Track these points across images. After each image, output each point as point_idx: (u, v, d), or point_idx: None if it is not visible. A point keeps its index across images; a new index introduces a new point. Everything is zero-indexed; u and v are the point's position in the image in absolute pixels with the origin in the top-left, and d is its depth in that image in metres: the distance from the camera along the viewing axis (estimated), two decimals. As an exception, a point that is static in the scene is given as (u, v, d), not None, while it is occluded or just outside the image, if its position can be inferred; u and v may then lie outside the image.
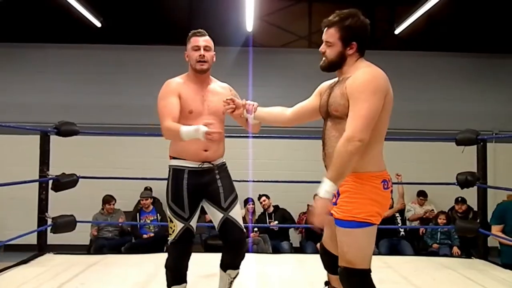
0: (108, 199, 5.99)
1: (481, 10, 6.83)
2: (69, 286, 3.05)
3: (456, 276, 3.38)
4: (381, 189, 1.86)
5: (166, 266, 2.40)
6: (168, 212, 2.36)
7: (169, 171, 2.38)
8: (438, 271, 3.51)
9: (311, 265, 3.59)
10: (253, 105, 2.30)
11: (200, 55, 2.33)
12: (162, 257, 3.95)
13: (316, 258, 3.89)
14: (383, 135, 1.92)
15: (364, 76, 1.83)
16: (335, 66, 1.95)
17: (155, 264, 3.60)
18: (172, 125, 2.22)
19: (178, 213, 2.32)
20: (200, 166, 2.33)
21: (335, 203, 1.90)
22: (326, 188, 1.76)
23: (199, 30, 2.42)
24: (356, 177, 1.86)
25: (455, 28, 7.14)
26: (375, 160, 1.89)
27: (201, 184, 2.34)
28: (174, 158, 2.37)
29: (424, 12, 5.82)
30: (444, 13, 6.54)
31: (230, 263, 2.43)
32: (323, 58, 1.96)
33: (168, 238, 2.37)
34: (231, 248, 2.40)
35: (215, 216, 2.39)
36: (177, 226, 2.32)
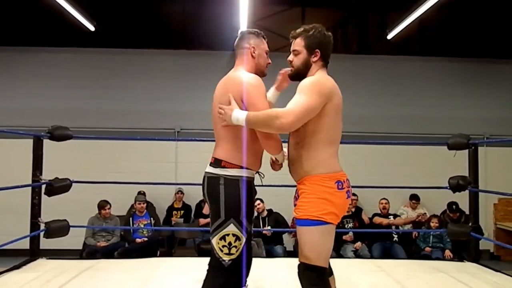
0: (103, 205, 5.96)
1: (473, 16, 6.91)
2: (62, 291, 3.03)
3: (448, 279, 3.40)
4: (335, 189, 1.98)
5: None
6: (232, 229, 2.05)
7: (236, 182, 2.07)
8: (430, 275, 3.53)
9: (289, 268, 3.62)
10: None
11: (269, 63, 2.31)
12: (155, 262, 3.99)
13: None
14: (333, 140, 2.06)
15: (310, 78, 2.04)
16: (301, 74, 2.11)
17: (148, 269, 3.61)
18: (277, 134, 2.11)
19: (248, 231, 2.11)
20: (257, 173, 2.23)
21: (295, 205, 2.07)
22: (238, 116, 1.99)
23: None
24: (309, 179, 2.01)
25: (447, 33, 7.22)
26: (327, 162, 2.02)
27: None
28: (241, 167, 2.09)
29: (417, 18, 5.87)
30: (436, 18, 6.61)
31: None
32: (291, 68, 2.17)
33: (223, 258, 2.07)
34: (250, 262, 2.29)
35: None
36: (243, 242, 2.09)
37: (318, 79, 2.03)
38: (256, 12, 6.72)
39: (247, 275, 2.27)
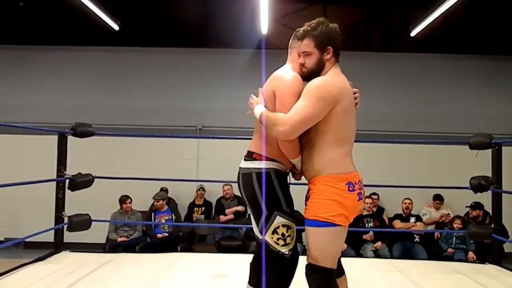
0: (123, 199, 6.12)
1: (496, 12, 6.71)
2: (83, 283, 3.13)
3: (466, 281, 3.34)
4: (345, 191, 1.95)
5: (286, 282, 2.09)
6: (280, 220, 2.05)
7: (269, 174, 2.08)
8: (448, 276, 3.47)
9: (303, 266, 3.62)
10: None
11: None
12: (174, 256, 4.08)
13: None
14: (344, 140, 2.02)
15: (315, 81, 1.98)
16: (315, 74, 2.05)
17: (166, 263, 3.68)
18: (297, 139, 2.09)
19: (293, 217, 2.10)
20: (288, 173, 2.22)
21: (306, 205, 2.05)
22: (257, 111, 2.06)
23: None
24: (319, 179, 1.99)
25: (470, 30, 7.03)
26: (337, 163, 1.98)
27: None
28: (272, 160, 2.10)
29: (440, 15, 5.75)
30: (459, 15, 6.45)
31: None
32: (303, 69, 2.08)
33: (283, 251, 2.05)
34: None
35: None
36: (295, 229, 2.09)
37: (325, 82, 1.98)
38: (276, 9, 6.72)
39: None
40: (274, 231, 2.06)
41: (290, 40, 2.26)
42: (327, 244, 1.95)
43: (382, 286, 3.17)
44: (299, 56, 2.10)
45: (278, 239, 2.05)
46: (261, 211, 2.08)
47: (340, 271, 2.16)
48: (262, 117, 2.01)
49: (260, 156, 2.10)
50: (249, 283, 2.28)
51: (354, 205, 1.98)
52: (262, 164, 2.09)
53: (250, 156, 2.14)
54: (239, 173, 2.18)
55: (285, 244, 2.05)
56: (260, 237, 2.17)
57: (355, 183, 1.97)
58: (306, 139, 2.03)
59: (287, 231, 2.06)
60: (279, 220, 2.05)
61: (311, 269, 1.98)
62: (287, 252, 2.05)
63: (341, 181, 1.94)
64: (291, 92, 2.03)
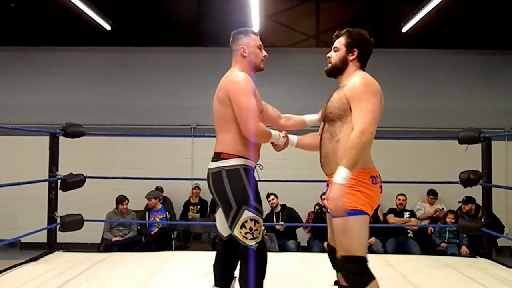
0: (121, 199, 6.12)
1: (488, 6, 6.73)
2: (74, 282, 3.14)
3: (456, 275, 3.36)
4: (370, 184, 2.01)
5: (253, 280, 2.14)
6: (248, 214, 2.13)
7: (237, 171, 2.17)
8: (438, 270, 3.49)
9: (313, 264, 3.64)
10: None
11: (264, 56, 2.36)
12: (167, 255, 4.09)
13: (320, 258, 3.94)
14: None
15: (363, 81, 2.04)
16: (338, 70, 2.17)
17: (160, 261, 3.71)
18: (262, 126, 2.23)
19: (261, 211, 2.20)
20: (256, 166, 2.32)
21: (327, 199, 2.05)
22: (342, 174, 1.90)
23: (253, 29, 2.44)
24: None
25: (463, 24, 7.05)
26: (362, 158, 2.00)
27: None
28: (239, 157, 2.19)
29: (432, 9, 5.76)
30: (452, 9, 6.48)
31: (233, 270, 2.39)
32: (329, 64, 2.21)
33: (250, 244, 2.14)
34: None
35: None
36: (261, 223, 2.19)
37: (367, 80, 2.05)
38: (269, 7, 6.74)
39: (234, 270, 2.36)
40: (243, 225, 2.13)
41: (230, 43, 2.36)
42: (359, 232, 1.98)
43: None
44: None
45: (246, 233, 2.13)
46: (230, 206, 2.15)
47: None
48: (346, 164, 1.91)
49: (228, 155, 2.19)
50: (216, 284, 2.37)
51: (377, 198, 2.04)
52: (230, 162, 2.19)
53: (218, 156, 2.23)
54: (208, 174, 2.26)
55: (253, 238, 2.14)
56: (225, 235, 2.30)
57: (377, 176, 2.05)
58: (332, 133, 2.08)
59: (254, 225, 2.14)
60: (247, 214, 2.13)
61: (346, 260, 1.99)
62: (254, 245, 2.14)
63: (365, 175, 2.01)
64: (245, 93, 2.15)
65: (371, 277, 1.98)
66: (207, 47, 7.36)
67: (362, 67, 2.17)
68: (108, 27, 6.69)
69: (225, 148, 2.21)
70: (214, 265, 2.40)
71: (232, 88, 2.18)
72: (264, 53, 2.36)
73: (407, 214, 6.32)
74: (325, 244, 5.78)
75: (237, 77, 2.20)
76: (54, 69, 7.43)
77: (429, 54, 7.35)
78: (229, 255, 2.35)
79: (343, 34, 2.17)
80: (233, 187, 2.15)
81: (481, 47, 7.16)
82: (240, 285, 2.21)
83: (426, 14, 5.94)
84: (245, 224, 2.13)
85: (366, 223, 2.01)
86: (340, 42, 2.16)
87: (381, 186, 2.07)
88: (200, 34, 7.38)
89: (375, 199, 2.03)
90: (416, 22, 6.26)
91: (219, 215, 2.31)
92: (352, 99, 2.00)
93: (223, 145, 2.23)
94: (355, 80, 2.05)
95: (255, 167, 2.30)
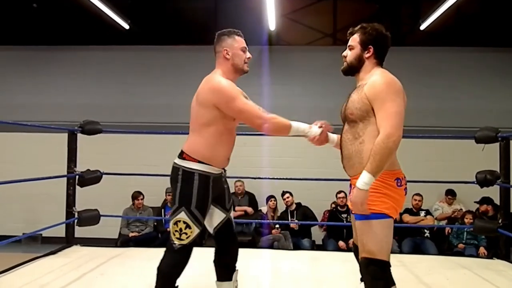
0: (136, 195, 6.24)
1: (508, 3, 6.57)
2: (90, 276, 3.23)
3: (471, 276, 3.31)
4: (395, 186, 1.97)
5: (162, 270, 2.24)
6: (183, 216, 2.20)
7: (192, 174, 2.22)
8: (452, 271, 3.45)
9: (326, 263, 3.64)
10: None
11: (248, 58, 2.35)
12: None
13: (333, 256, 3.93)
14: None
15: (384, 80, 1.97)
16: (354, 69, 2.12)
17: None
18: (275, 118, 2.22)
19: (199, 220, 2.23)
20: (221, 173, 2.35)
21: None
22: (365, 180, 1.88)
23: (238, 30, 2.38)
24: None
25: (481, 22, 6.90)
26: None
27: (219, 190, 2.35)
28: (199, 162, 2.22)
29: (450, 6, 5.66)
30: (471, 6, 6.36)
31: (231, 263, 2.46)
32: (344, 63, 2.16)
33: (174, 242, 2.21)
34: (233, 244, 2.46)
35: (216, 216, 2.39)
36: (194, 231, 2.22)
37: (388, 79, 1.99)
38: (286, 5, 6.73)
39: (233, 264, 2.45)
40: (176, 223, 2.22)
41: (214, 44, 2.34)
42: (383, 236, 1.95)
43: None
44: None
45: (175, 231, 2.21)
46: (175, 202, 2.25)
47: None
48: (370, 169, 1.88)
49: (189, 157, 2.24)
50: (218, 279, 2.48)
51: (402, 200, 2.00)
52: (189, 164, 2.23)
53: (181, 155, 2.28)
54: (172, 167, 2.31)
55: (179, 238, 2.21)
56: (211, 230, 2.39)
57: (402, 178, 2.00)
58: (355, 134, 2.02)
59: (185, 228, 2.20)
60: (182, 215, 2.21)
61: (368, 263, 1.96)
62: (176, 244, 2.21)
63: (391, 177, 1.97)
64: (233, 98, 2.18)
65: (391, 283, 1.94)
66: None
67: (380, 63, 2.11)
68: (126, 26, 6.79)
69: (189, 150, 2.26)
70: (214, 261, 2.46)
71: (218, 99, 2.19)
72: (248, 55, 2.34)
73: (422, 213, 6.23)
74: (340, 243, 5.80)
75: (219, 84, 2.22)
76: (73, 67, 7.59)
77: (447, 52, 7.21)
78: (222, 249, 2.43)
79: (357, 31, 2.10)
80: (183, 187, 2.22)
81: (499, 45, 6.99)
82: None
83: (445, 11, 5.84)
84: (178, 223, 2.21)
85: (390, 227, 1.97)
86: (354, 40, 2.10)
87: (405, 188, 2.02)
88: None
89: (400, 202, 1.98)
90: (435, 19, 6.17)
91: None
92: (375, 100, 1.94)
93: (189, 145, 2.27)
94: (376, 79, 1.98)
95: (222, 172, 2.35)
